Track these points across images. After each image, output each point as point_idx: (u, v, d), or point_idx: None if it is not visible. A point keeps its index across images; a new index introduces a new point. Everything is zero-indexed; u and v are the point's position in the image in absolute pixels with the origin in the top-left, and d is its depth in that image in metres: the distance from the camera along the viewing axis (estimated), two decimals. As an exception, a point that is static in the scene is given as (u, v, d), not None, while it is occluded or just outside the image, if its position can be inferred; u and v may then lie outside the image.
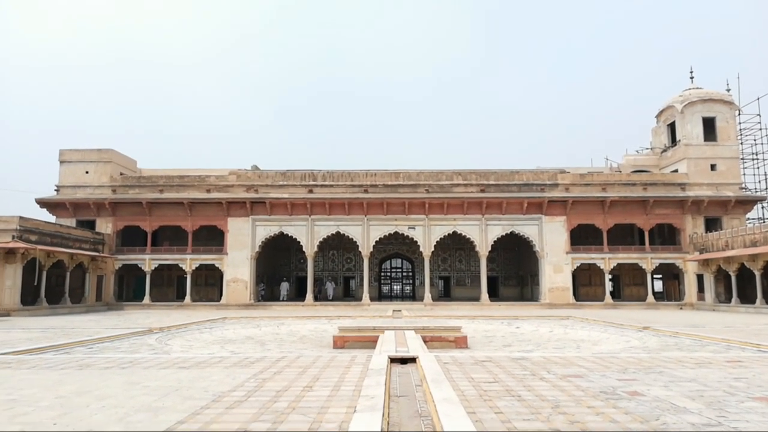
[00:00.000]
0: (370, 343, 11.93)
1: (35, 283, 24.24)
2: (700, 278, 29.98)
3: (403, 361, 8.89)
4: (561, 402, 5.50)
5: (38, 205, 31.05)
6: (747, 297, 26.54)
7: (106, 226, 31.14)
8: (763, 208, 33.64)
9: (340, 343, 12.81)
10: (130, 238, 32.15)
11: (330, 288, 35.74)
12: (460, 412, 4.97)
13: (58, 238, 26.17)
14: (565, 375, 7.12)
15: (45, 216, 30.50)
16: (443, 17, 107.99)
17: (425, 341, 11.70)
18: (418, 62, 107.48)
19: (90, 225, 31.09)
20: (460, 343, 12.57)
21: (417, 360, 8.55)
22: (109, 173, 31.52)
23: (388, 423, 4.87)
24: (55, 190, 31.59)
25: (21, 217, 23.94)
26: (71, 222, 30.53)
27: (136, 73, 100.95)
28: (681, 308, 29.57)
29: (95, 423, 4.68)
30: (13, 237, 23.23)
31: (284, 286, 34.75)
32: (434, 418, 4.92)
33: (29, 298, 24.21)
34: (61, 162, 31.70)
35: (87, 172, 31.45)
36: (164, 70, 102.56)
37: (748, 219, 32.32)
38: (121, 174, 32.28)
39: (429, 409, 5.46)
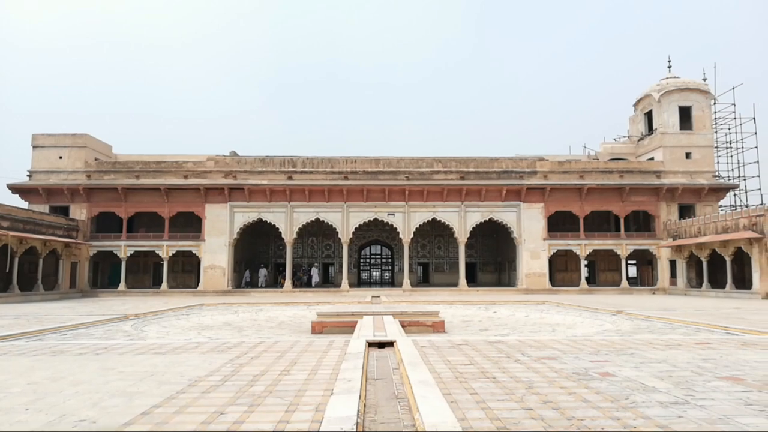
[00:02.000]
0: (349, 328, 11.96)
1: (7, 270, 23.77)
2: (672, 264, 30.63)
3: (381, 345, 8.95)
4: (535, 383, 5.60)
5: (10, 191, 30.38)
6: (718, 282, 27.22)
7: (80, 213, 30.59)
8: (735, 195, 34.46)
9: (319, 328, 12.81)
10: (106, 224, 31.65)
11: (315, 274, 35.73)
12: (436, 393, 5.04)
13: (30, 224, 25.64)
14: (539, 357, 7.24)
15: (17, 202, 29.91)
16: (432, 8, 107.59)
17: (403, 326, 11.77)
18: (404, 50, 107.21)
19: (64, 211, 30.53)
20: (438, 327, 12.68)
21: (395, 344, 8.61)
22: (84, 158, 30.90)
23: (364, 405, 4.91)
24: (28, 175, 30.89)
25: (-9, 203, 23.40)
26: (44, 208, 29.93)
27: (112, 55, 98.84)
28: (654, 293, 30.21)
29: (69, 408, 4.63)
30: (-16, 223, 22.71)
31: (262, 273, 34.65)
32: (410, 400, 4.98)
33: (1, 284, 23.74)
34: (34, 147, 30.97)
35: (61, 158, 30.80)
36: (142, 53, 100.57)
37: (721, 206, 33.04)
38: (96, 159, 31.67)
39: (405, 391, 5.51)
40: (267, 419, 4.24)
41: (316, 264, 37.31)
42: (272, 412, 4.45)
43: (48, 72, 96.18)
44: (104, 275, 32.83)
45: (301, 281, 35.44)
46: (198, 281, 31.06)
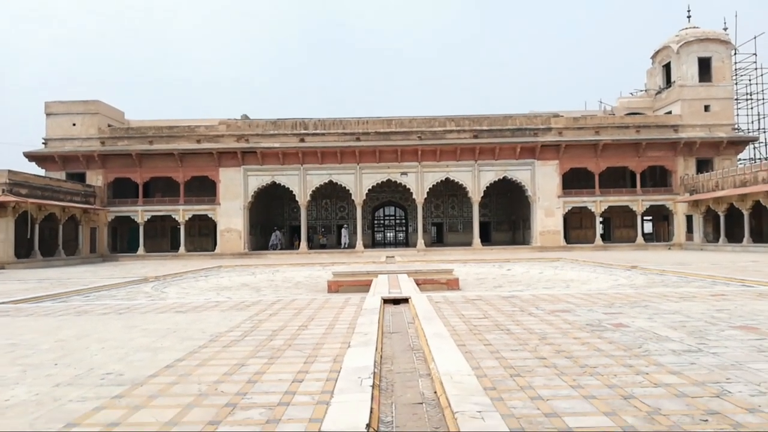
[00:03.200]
0: (364, 286, 12.12)
1: (28, 237, 24.26)
2: (689, 219, 30.35)
3: (396, 302, 9.09)
4: (548, 334, 5.68)
5: (27, 159, 30.70)
6: (734, 236, 26.97)
7: (96, 179, 30.91)
8: (755, 148, 33.74)
9: (335, 287, 13.00)
10: (122, 190, 31.99)
11: (345, 235, 35.67)
12: (451, 345, 5.14)
13: (48, 191, 26.01)
14: (553, 310, 7.31)
15: (34, 169, 30.26)
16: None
17: (418, 284, 11.90)
18: (417, 10, 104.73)
19: (80, 178, 30.85)
20: (452, 284, 12.80)
21: (409, 300, 8.74)
22: (97, 125, 31.02)
23: (381, 356, 5.03)
24: (43, 143, 31.14)
25: (10, 171, 23.71)
26: (61, 175, 30.26)
27: (121, 20, 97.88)
28: (669, 248, 30.07)
29: (96, 363, 4.81)
30: (3, 191, 23.06)
31: (278, 235, 34.97)
32: (426, 351, 5.09)
33: (23, 251, 24.27)
34: (48, 114, 31.12)
35: (74, 125, 30.94)
36: (152, 16, 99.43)
37: (740, 160, 32.46)
38: (109, 126, 31.77)
39: (420, 343, 5.63)
40: (287, 369, 4.38)
41: (346, 225, 37.32)
42: (292, 364, 4.58)
43: (58, 38, 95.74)
44: (123, 240, 33.37)
45: (319, 243, 35.76)
46: (215, 244, 31.48)
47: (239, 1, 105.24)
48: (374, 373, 4.16)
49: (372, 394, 3.61)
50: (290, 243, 36.53)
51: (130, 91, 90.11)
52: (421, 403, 3.71)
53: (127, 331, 6.50)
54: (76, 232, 28.48)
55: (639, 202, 31.02)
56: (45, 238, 26.06)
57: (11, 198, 22.71)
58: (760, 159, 33.12)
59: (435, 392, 3.89)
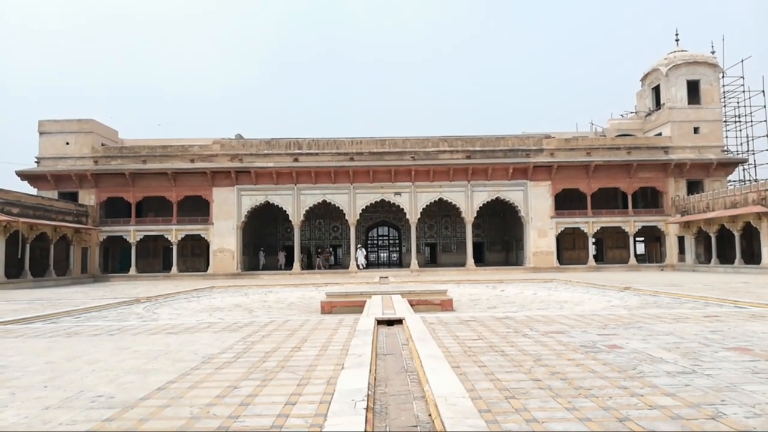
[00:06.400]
0: (358, 307, 12.06)
1: (19, 256, 24.03)
2: (681, 240, 30.52)
3: (390, 323, 9.05)
4: (542, 355, 5.67)
5: (19, 178, 30.54)
6: (726, 257, 27.12)
7: (89, 198, 30.78)
8: (744, 170, 34.14)
9: (328, 308, 12.93)
10: (114, 209, 31.85)
11: (361, 256, 33.35)
12: (445, 366, 5.12)
13: (40, 210, 25.85)
14: (547, 332, 7.30)
15: (26, 188, 30.07)
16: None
17: (412, 305, 11.85)
18: (409, 29, 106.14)
19: (72, 197, 30.70)
20: (446, 305, 12.77)
21: (403, 321, 8.70)
22: (91, 144, 30.99)
23: (375, 378, 5.00)
24: (36, 161, 31.05)
25: (1, 190, 23.61)
26: (53, 194, 30.11)
27: (112, 35, 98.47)
28: (662, 269, 30.16)
29: (86, 385, 4.74)
30: (-6, 210, 22.90)
31: (262, 256, 34.65)
32: (420, 373, 5.06)
33: (13, 270, 24.02)
34: (41, 133, 31.08)
35: (68, 143, 30.90)
36: (145, 31, 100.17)
37: (730, 181, 32.77)
38: (103, 144, 31.75)
39: (415, 365, 5.59)
40: (280, 392, 4.33)
41: (360, 245, 34.88)
42: (285, 386, 4.54)
43: (50, 55, 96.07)
44: (115, 260, 33.12)
45: (328, 264, 35.18)
46: (207, 265, 31.29)
47: (232, 20, 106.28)
48: (368, 395, 4.13)
49: (366, 416, 3.57)
50: (287, 263, 36.27)
51: (122, 109, 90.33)
52: (416, 426, 3.68)
53: (118, 352, 6.42)
54: (68, 252, 28.25)
55: (631, 223, 31.20)
56: (36, 258, 25.82)
57: (2, 217, 22.53)
58: (749, 180, 33.48)
59: (429, 415, 3.86)
